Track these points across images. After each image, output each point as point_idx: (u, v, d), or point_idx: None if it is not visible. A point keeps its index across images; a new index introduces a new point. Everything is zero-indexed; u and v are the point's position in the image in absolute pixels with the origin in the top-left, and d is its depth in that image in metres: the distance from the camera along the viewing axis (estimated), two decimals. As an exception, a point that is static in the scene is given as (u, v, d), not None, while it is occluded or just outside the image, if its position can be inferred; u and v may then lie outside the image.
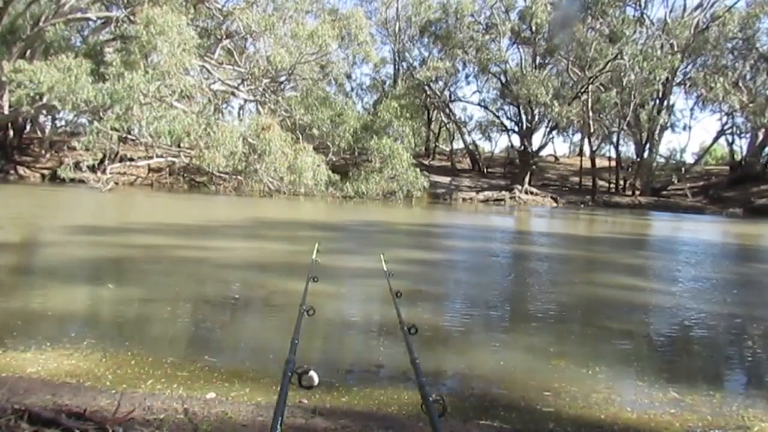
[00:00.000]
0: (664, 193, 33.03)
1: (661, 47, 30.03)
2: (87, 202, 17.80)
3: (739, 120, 34.58)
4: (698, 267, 9.94)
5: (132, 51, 20.39)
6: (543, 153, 38.06)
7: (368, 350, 4.44)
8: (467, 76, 35.95)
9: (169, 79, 20.39)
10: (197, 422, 2.60)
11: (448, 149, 41.26)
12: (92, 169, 21.43)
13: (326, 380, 3.49)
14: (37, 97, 20.39)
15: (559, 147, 72.42)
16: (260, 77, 25.61)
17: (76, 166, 21.65)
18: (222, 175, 23.72)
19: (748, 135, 35.45)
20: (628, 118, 32.58)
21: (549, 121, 32.68)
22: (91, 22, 26.41)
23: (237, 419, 2.68)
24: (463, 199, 29.22)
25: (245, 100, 27.45)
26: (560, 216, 23.38)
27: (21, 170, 25.84)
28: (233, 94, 26.25)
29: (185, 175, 26.55)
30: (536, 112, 31.56)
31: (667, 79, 30.89)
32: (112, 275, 6.62)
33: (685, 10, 32.59)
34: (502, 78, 32.56)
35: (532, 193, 30.40)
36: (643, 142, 33.84)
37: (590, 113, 31.62)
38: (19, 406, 2.40)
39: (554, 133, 35.32)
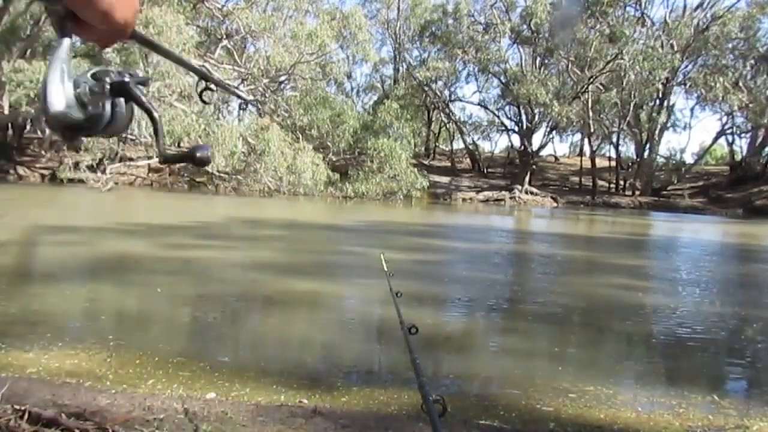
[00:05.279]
0: (664, 193, 33.03)
1: (662, 47, 30.03)
2: (87, 202, 17.80)
3: (739, 120, 34.59)
4: (698, 267, 9.95)
5: (131, 51, 20.38)
6: (543, 153, 38.05)
7: (368, 350, 4.44)
8: (467, 76, 36.01)
9: (169, 79, 20.38)
10: (197, 422, 2.59)
11: (448, 149, 41.25)
12: (92, 169, 21.41)
13: (326, 380, 3.49)
14: (37, 97, 20.36)
15: (559, 147, 72.52)
16: (260, 77, 25.60)
17: (76, 166, 21.62)
18: (222, 175, 23.71)
19: (748, 135, 35.47)
20: (628, 118, 32.58)
21: (549, 121, 32.67)
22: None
23: (237, 419, 2.68)
24: (463, 199, 29.21)
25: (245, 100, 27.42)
26: (560, 216, 23.38)
27: (21, 170, 25.81)
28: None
29: (185, 175, 26.53)
30: (536, 112, 31.56)
31: (667, 79, 30.89)
32: (113, 276, 6.62)
33: (685, 10, 32.62)
34: (502, 78, 32.56)
35: (532, 193, 30.40)
36: (643, 142, 33.84)
37: (590, 113, 31.61)
38: (19, 406, 2.40)
39: (554, 133, 35.35)
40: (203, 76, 1.18)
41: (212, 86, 1.15)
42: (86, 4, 0.58)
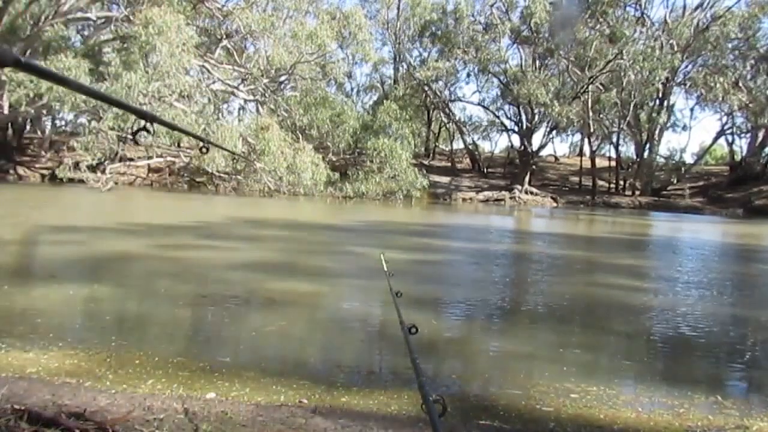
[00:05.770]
0: (664, 193, 33.04)
1: (661, 47, 30.04)
2: (87, 202, 17.80)
3: (739, 120, 34.62)
4: (698, 267, 9.95)
5: (131, 51, 20.40)
6: (543, 153, 38.10)
7: (368, 350, 4.44)
8: (468, 76, 36.01)
9: (169, 79, 20.39)
10: (197, 422, 2.60)
11: (448, 149, 41.28)
12: (92, 169, 21.42)
13: (326, 380, 3.49)
14: (37, 97, 20.37)
15: (559, 147, 72.61)
16: (260, 77, 25.61)
17: (76, 166, 21.63)
18: (222, 175, 23.74)
19: (748, 135, 35.48)
20: (628, 118, 32.59)
21: (549, 121, 32.69)
22: (90, 22, 26.41)
23: (237, 419, 2.68)
24: (463, 199, 29.22)
25: (245, 100, 27.46)
26: (560, 216, 23.38)
27: (21, 170, 25.81)
28: (233, 94, 26.26)
29: (185, 175, 26.54)
30: (536, 112, 31.57)
31: (667, 79, 30.89)
32: (113, 276, 6.62)
33: (685, 10, 32.63)
34: (502, 78, 32.56)
35: (532, 193, 30.40)
36: (643, 142, 33.85)
37: (590, 113, 31.62)
38: (19, 406, 2.40)
39: (554, 133, 35.37)
40: (142, 115, 1.11)
41: (149, 127, 1.09)
42: None
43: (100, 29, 26.08)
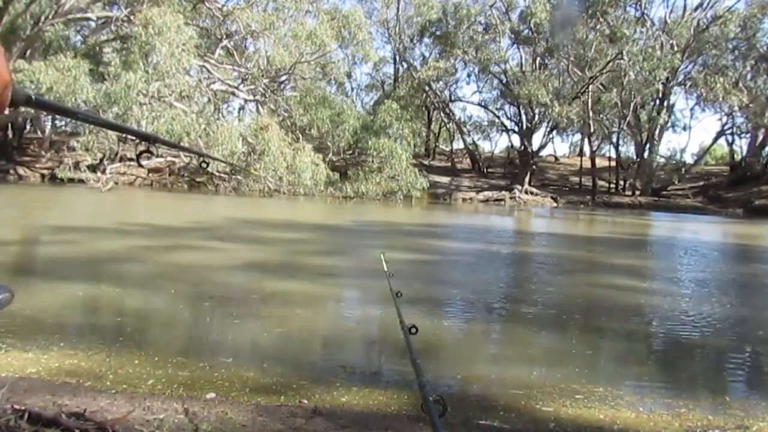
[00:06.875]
0: (664, 193, 33.02)
1: (662, 47, 30.03)
2: (87, 202, 17.79)
3: (739, 120, 34.61)
4: (698, 268, 9.95)
5: (131, 51, 20.41)
6: (543, 153, 38.04)
7: (368, 350, 4.45)
8: (468, 76, 36.02)
9: (169, 79, 20.39)
10: (197, 422, 2.59)
11: (448, 149, 41.27)
12: (92, 169, 21.42)
13: (326, 380, 3.49)
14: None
15: (559, 147, 72.61)
16: (260, 77, 25.62)
17: (76, 166, 21.64)
18: (222, 175, 23.73)
19: (748, 135, 35.46)
20: (628, 118, 32.56)
21: (549, 121, 32.65)
22: (91, 22, 26.42)
23: (237, 419, 2.68)
24: (463, 200, 29.21)
25: (245, 100, 27.47)
26: (560, 216, 23.37)
27: (21, 170, 25.81)
28: (233, 93, 26.27)
29: (185, 175, 26.53)
30: (536, 112, 31.54)
31: (667, 79, 30.87)
32: (113, 276, 6.62)
33: (685, 10, 32.62)
34: (503, 78, 32.56)
35: (532, 193, 30.39)
36: (643, 142, 33.83)
37: (590, 113, 31.60)
38: (19, 406, 2.40)
39: (554, 133, 35.34)
40: (144, 137, 1.21)
41: (152, 149, 1.19)
42: None
43: (100, 29, 26.08)
